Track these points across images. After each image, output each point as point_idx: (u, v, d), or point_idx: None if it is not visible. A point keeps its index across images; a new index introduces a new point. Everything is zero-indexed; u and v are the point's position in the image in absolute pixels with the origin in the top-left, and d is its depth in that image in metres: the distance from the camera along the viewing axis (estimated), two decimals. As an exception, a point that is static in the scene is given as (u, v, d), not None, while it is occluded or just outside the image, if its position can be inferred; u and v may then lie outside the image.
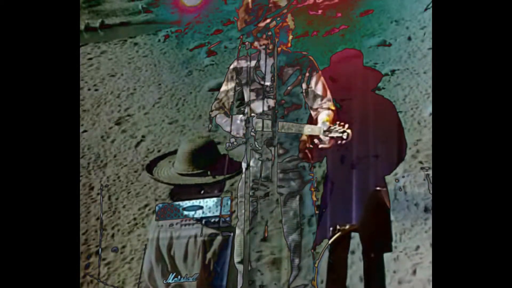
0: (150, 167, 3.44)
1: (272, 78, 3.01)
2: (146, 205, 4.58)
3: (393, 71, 5.52)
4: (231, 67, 3.21)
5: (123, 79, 6.47)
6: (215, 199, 3.07)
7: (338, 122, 2.86)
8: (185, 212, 3.10)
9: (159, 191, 4.54)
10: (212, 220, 3.06)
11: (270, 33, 2.95)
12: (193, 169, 3.22)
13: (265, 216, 3.20)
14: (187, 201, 3.12)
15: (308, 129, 2.95)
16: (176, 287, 2.99)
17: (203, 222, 3.06)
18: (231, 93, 3.17)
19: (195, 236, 3.03)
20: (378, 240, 3.36)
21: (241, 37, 3.03)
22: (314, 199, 3.21)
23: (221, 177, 3.17)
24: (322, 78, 3.13)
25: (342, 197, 3.44)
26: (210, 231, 3.03)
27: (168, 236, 3.08)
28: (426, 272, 3.37)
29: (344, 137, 2.82)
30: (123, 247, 4.23)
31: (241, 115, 3.04)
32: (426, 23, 5.86)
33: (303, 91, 3.12)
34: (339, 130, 2.83)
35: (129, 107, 5.94)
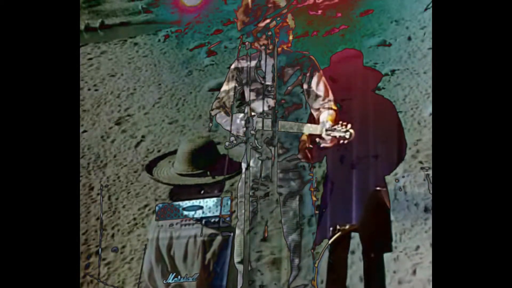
0: (149, 167, 3.44)
1: (273, 78, 3.01)
2: (146, 205, 4.58)
3: (393, 71, 5.52)
4: (232, 66, 3.21)
5: (123, 79, 6.47)
6: (215, 199, 3.07)
7: (340, 122, 2.86)
8: (185, 212, 3.10)
9: (159, 191, 4.54)
10: (212, 220, 3.06)
11: (270, 33, 2.95)
12: (192, 169, 3.22)
13: (265, 216, 3.20)
14: (187, 201, 3.12)
15: (309, 129, 2.95)
16: (176, 287, 2.99)
17: (203, 222, 3.06)
18: (232, 92, 3.17)
19: (195, 236, 3.03)
20: (378, 240, 3.36)
21: (241, 37, 3.03)
22: (314, 199, 3.21)
23: (220, 178, 3.17)
24: (323, 78, 3.13)
25: (342, 197, 3.44)
26: (210, 231, 3.03)
27: (168, 236, 3.08)
28: (426, 272, 3.36)
29: (347, 136, 2.83)
30: (123, 247, 4.23)
31: (241, 114, 3.04)
32: (426, 23, 5.86)
33: (305, 91, 3.12)
34: (342, 130, 2.83)
35: (129, 107, 5.94)
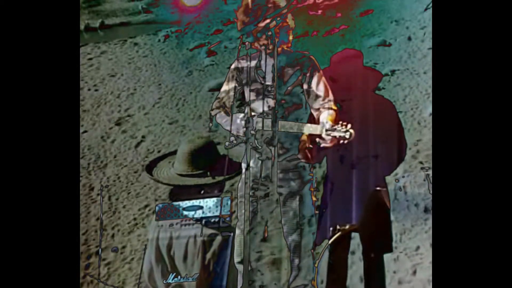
0: (149, 168, 3.44)
1: (273, 78, 3.01)
2: (146, 206, 4.58)
3: (393, 71, 5.52)
4: (232, 66, 3.21)
5: (123, 79, 6.47)
6: (215, 199, 3.06)
7: (340, 122, 2.86)
8: (185, 212, 3.09)
9: (159, 191, 4.54)
10: (212, 220, 3.05)
11: (270, 33, 2.95)
12: (192, 169, 3.21)
13: (265, 216, 3.20)
14: (187, 201, 3.12)
15: (310, 129, 2.94)
16: (176, 287, 2.99)
17: (203, 222, 3.06)
18: (232, 92, 3.17)
19: (195, 236, 3.02)
20: (378, 240, 3.36)
21: (241, 37, 3.03)
22: (314, 199, 3.21)
23: (220, 178, 3.16)
24: (323, 78, 3.13)
25: (342, 197, 3.44)
26: (210, 231, 3.03)
27: (168, 236, 3.08)
28: (426, 272, 3.37)
29: (347, 136, 2.83)
30: (123, 247, 4.23)
31: (241, 114, 3.04)
32: (426, 23, 5.86)
33: (304, 91, 3.12)
34: (342, 130, 2.83)
35: (129, 107, 5.94)
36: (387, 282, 3.36)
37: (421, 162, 4.28)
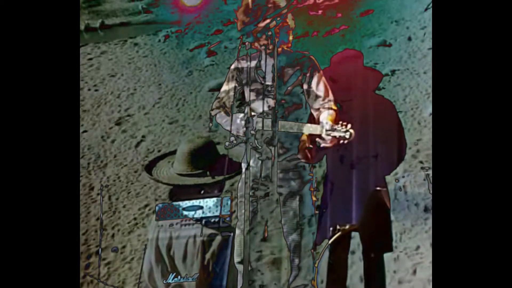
0: (149, 168, 3.43)
1: (273, 78, 3.01)
2: (146, 205, 4.58)
3: (393, 71, 5.52)
4: (232, 67, 3.21)
5: (123, 79, 6.48)
6: (215, 199, 3.06)
7: (340, 122, 2.86)
8: (185, 212, 3.09)
9: (159, 191, 4.54)
10: (212, 220, 3.05)
11: (270, 33, 2.95)
12: (192, 169, 3.21)
13: (265, 216, 3.20)
14: (187, 201, 3.12)
15: (310, 128, 2.94)
16: (176, 287, 2.99)
17: (203, 222, 3.05)
18: (232, 92, 3.17)
19: (195, 236, 3.02)
20: (378, 240, 3.36)
21: (241, 37, 3.03)
22: (314, 199, 3.21)
23: (220, 178, 3.16)
24: (323, 78, 3.13)
25: (342, 197, 3.43)
26: (210, 231, 3.03)
27: (167, 236, 3.08)
28: (426, 272, 3.37)
29: (347, 136, 2.83)
30: (123, 247, 4.23)
31: (241, 114, 3.04)
32: (426, 23, 5.87)
33: (305, 91, 3.12)
34: (342, 130, 2.83)
35: (129, 107, 5.94)
36: (387, 281, 3.37)
37: (421, 162, 4.28)
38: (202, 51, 6.68)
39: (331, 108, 3.05)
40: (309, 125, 2.97)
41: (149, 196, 4.63)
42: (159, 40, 7.17)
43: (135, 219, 4.48)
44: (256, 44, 3.04)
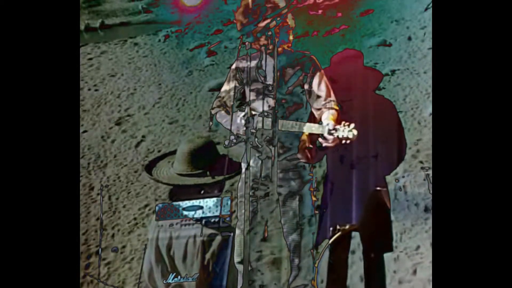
0: (149, 168, 3.43)
1: (273, 78, 3.01)
2: (146, 205, 4.58)
3: (393, 71, 5.52)
4: (233, 66, 3.21)
5: (123, 79, 6.48)
6: (215, 199, 3.06)
7: (343, 122, 2.84)
8: (185, 212, 3.09)
9: (159, 191, 4.54)
10: (212, 220, 3.05)
11: (270, 33, 2.95)
12: (192, 169, 3.21)
13: (265, 216, 3.19)
14: (187, 201, 3.11)
15: (312, 128, 2.93)
16: (176, 287, 2.99)
17: (203, 222, 3.05)
18: (233, 92, 3.16)
19: (194, 236, 3.02)
20: (379, 240, 3.36)
21: (241, 37, 3.03)
22: (314, 199, 3.21)
23: (220, 178, 3.16)
24: (324, 77, 3.12)
25: (342, 197, 3.43)
26: (210, 231, 3.02)
27: (167, 236, 3.07)
28: (426, 272, 3.37)
29: (350, 136, 2.81)
30: (123, 247, 4.23)
31: (241, 113, 3.03)
32: (426, 23, 5.87)
33: (306, 91, 3.12)
34: (346, 130, 2.82)
35: (129, 107, 5.94)
36: (387, 281, 3.37)
37: (421, 162, 4.28)
38: (202, 51, 6.69)
39: (333, 108, 3.05)
40: (311, 124, 2.96)
41: (149, 196, 4.63)
42: (159, 40, 7.17)
43: (135, 219, 4.48)
44: (256, 44, 3.04)
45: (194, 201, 3.09)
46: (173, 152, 3.39)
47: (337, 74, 3.42)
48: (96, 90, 6.26)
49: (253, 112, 3.02)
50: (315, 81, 3.10)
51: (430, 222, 3.60)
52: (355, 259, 3.46)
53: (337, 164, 3.50)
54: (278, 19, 2.98)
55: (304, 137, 3.11)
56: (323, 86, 3.10)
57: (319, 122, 2.98)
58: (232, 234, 3.04)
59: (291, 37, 3.11)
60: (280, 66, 3.02)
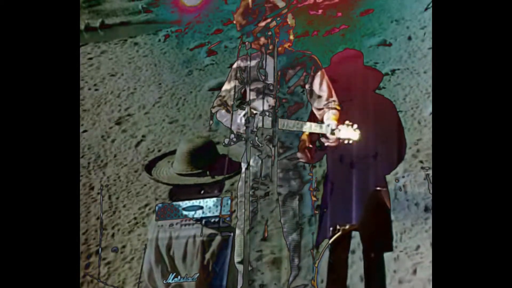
0: (149, 168, 3.43)
1: (274, 78, 3.01)
2: (146, 205, 4.58)
3: (393, 71, 5.52)
4: (234, 65, 3.21)
5: (123, 78, 6.47)
6: (215, 199, 3.06)
7: (346, 122, 2.83)
8: (185, 212, 3.09)
9: (159, 190, 4.54)
10: (212, 220, 3.05)
11: (270, 33, 2.95)
12: (192, 169, 3.21)
13: (265, 215, 3.19)
14: (187, 201, 3.12)
15: (314, 128, 2.92)
16: (176, 287, 2.99)
17: (203, 222, 3.05)
18: (233, 91, 3.16)
19: (194, 236, 3.02)
20: (379, 240, 3.36)
21: (241, 36, 3.03)
22: (314, 199, 3.21)
23: (220, 177, 3.16)
24: (326, 77, 3.12)
25: (342, 197, 3.43)
26: (209, 231, 3.03)
27: (167, 236, 3.08)
28: (426, 271, 3.37)
29: (353, 137, 2.80)
30: (123, 246, 4.23)
31: (242, 112, 3.03)
32: (426, 23, 5.86)
33: (307, 91, 3.12)
34: (350, 130, 2.81)
35: (129, 106, 5.94)
36: (387, 281, 3.37)
37: (421, 162, 4.28)
38: (202, 51, 6.68)
39: (335, 108, 3.04)
40: (313, 124, 2.95)
41: (149, 196, 4.63)
42: (159, 40, 7.17)
43: (135, 218, 4.48)
44: (256, 44, 3.04)
45: (194, 201, 3.10)
46: (173, 152, 3.39)
47: (337, 74, 3.42)
48: (96, 89, 6.26)
49: (254, 111, 3.02)
50: (316, 81, 3.10)
51: (430, 222, 3.60)
52: (355, 259, 3.46)
53: (337, 164, 3.50)
54: (278, 19, 2.98)
55: (304, 136, 3.11)
56: (324, 86, 3.10)
57: (320, 122, 2.98)
58: (232, 234, 3.04)
59: (291, 37, 3.11)
60: (281, 66, 3.02)
